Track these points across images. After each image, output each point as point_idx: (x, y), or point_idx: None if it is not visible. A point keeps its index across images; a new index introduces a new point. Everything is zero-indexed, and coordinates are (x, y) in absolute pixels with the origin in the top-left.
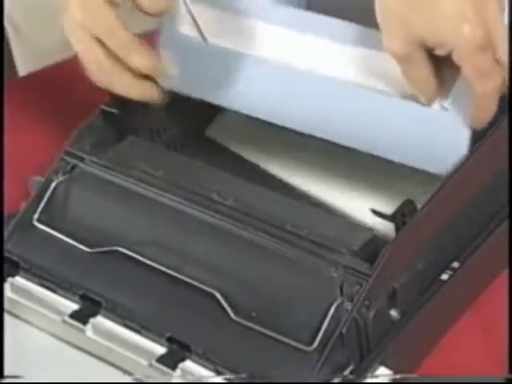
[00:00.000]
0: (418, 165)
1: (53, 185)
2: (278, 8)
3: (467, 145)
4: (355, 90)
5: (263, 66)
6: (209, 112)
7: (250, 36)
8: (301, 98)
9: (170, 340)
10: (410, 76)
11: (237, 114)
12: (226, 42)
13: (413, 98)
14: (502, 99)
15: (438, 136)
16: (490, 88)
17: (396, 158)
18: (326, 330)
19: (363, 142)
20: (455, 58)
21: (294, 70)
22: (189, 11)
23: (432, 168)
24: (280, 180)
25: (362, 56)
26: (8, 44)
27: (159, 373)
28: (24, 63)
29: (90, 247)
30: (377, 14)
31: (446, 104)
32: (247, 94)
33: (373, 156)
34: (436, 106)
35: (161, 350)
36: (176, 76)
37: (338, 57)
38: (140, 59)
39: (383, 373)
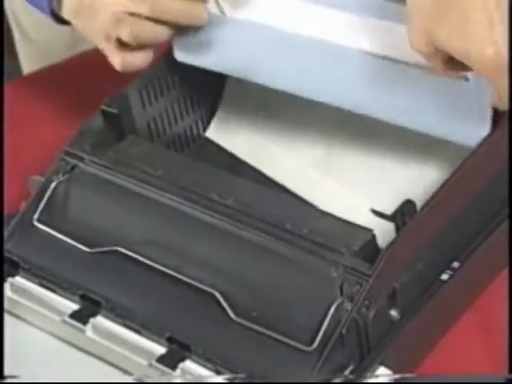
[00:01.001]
0: (439, 134)
1: (53, 185)
2: None
3: (488, 116)
4: (375, 60)
5: (280, 38)
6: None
7: (266, 8)
8: (319, 68)
9: (170, 340)
10: (434, 67)
11: (235, 115)
12: (243, 15)
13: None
14: None
15: (460, 106)
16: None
17: (417, 127)
18: (325, 330)
19: (384, 110)
20: (476, 71)
21: (315, 42)
22: None
23: (453, 138)
24: (277, 183)
25: (383, 28)
26: (13, 44)
27: (159, 373)
28: (28, 62)
29: (89, 247)
30: (407, 8)
31: (468, 74)
32: (264, 66)
33: (372, 157)
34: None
35: (161, 349)
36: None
37: (360, 29)
38: None
39: (383, 373)
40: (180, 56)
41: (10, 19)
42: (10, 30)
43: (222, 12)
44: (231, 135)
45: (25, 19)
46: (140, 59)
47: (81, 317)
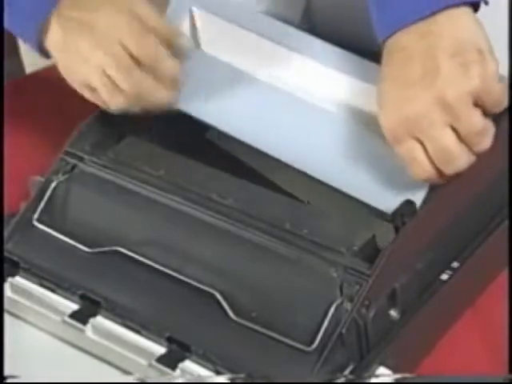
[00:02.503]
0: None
1: (53, 185)
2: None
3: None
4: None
5: (257, 88)
6: None
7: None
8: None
9: (169, 340)
10: None
11: None
12: (219, 53)
13: None
14: None
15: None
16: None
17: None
18: (325, 330)
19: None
20: None
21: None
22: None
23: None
24: (276, 184)
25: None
26: (16, 43)
27: (159, 373)
28: (31, 61)
29: (89, 247)
30: None
31: None
32: (231, 112)
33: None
34: None
35: (161, 349)
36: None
37: (330, 82)
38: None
39: (383, 373)
40: None
41: None
42: None
43: (198, 44)
44: (232, 138)
45: None
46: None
47: (81, 317)
